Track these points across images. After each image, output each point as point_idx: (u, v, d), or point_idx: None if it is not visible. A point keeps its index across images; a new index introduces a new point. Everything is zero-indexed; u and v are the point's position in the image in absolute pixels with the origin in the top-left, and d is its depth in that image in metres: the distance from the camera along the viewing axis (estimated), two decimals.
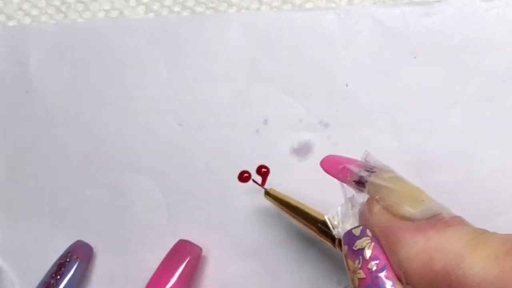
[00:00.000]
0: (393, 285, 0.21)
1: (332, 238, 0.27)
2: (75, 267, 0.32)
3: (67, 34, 0.35)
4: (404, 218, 0.22)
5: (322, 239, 0.28)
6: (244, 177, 0.33)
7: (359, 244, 0.23)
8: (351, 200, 0.25)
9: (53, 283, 0.31)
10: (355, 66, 0.33)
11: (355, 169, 0.25)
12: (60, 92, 0.35)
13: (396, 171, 0.24)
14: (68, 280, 0.31)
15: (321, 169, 0.26)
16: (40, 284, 0.31)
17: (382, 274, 0.22)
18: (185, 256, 0.31)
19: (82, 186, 0.34)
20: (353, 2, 0.34)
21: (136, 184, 0.34)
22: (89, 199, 0.34)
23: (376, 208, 0.23)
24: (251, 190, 0.33)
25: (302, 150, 0.33)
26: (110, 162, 0.34)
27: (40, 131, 0.35)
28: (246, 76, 0.34)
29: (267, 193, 0.31)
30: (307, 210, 0.29)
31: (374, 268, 0.22)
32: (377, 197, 0.23)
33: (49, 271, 0.32)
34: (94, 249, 0.34)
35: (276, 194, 0.31)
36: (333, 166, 0.26)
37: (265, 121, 0.33)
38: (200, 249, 0.32)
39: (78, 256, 0.32)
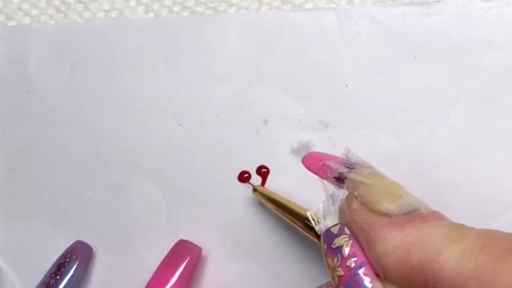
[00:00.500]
0: (371, 281, 0.21)
1: (317, 234, 0.27)
2: (74, 267, 0.32)
3: (67, 34, 0.35)
4: (382, 213, 0.22)
5: (307, 234, 0.29)
6: (244, 177, 0.33)
7: (337, 242, 0.23)
8: (331, 196, 0.25)
9: (52, 283, 0.31)
10: (355, 66, 0.33)
11: (335, 165, 0.25)
12: (60, 92, 0.35)
13: (375, 168, 0.24)
14: (67, 280, 0.31)
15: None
16: (40, 284, 0.31)
17: (360, 271, 0.22)
18: (185, 256, 0.31)
19: (82, 186, 0.34)
20: (353, 2, 0.34)
21: (136, 184, 0.34)
22: (89, 199, 0.34)
23: (355, 205, 0.23)
24: (251, 190, 0.33)
25: (302, 150, 0.33)
26: (110, 162, 0.34)
27: (40, 131, 0.35)
28: (246, 76, 0.34)
29: (255, 190, 0.32)
30: (292, 206, 0.30)
31: (353, 265, 0.22)
32: (356, 193, 0.23)
33: (49, 271, 0.32)
34: (94, 249, 0.34)
35: (263, 191, 0.32)
36: (314, 163, 0.26)
37: (265, 121, 0.33)
38: (200, 249, 0.32)
39: (78, 256, 0.32)
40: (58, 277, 0.31)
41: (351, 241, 0.23)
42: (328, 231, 0.24)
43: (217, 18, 0.34)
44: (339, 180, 0.24)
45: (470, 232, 0.21)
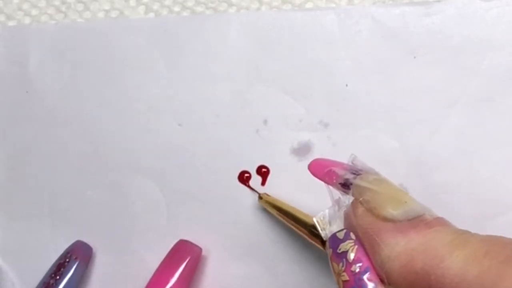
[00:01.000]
0: (376, 287, 0.22)
1: (322, 241, 0.28)
2: (74, 267, 0.32)
3: (67, 34, 0.35)
4: (386, 219, 0.22)
5: (313, 242, 0.29)
6: (244, 177, 0.33)
7: (342, 247, 0.23)
8: (337, 202, 0.25)
9: (52, 283, 0.31)
10: (355, 66, 0.33)
11: (340, 171, 0.25)
12: (60, 92, 0.35)
13: (381, 174, 0.25)
14: (67, 280, 0.31)
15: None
16: (39, 284, 0.31)
17: (365, 276, 0.22)
18: (185, 256, 0.31)
19: (82, 186, 0.34)
20: (353, 2, 0.34)
21: (136, 184, 0.34)
22: (89, 199, 0.34)
23: (360, 210, 0.23)
24: (251, 190, 0.33)
25: (302, 150, 0.33)
26: (110, 162, 0.34)
27: (40, 131, 0.35)
28: (246, 76, 0.34)
29: (260, 198, 0.32)
30: (298, 214, 0.30)
31: (357, 270, 0.22)
32: (361, 199, 0.23)
33: (49, 271, 0.32)
34: (94, 249, 0.34)
35: (269, 199, 0.32)
36: (320, 169, 0.26)
37: (265, 121, 0.33)
38: (200, 249, 0.32)
39: (78, 256, 0.32)
40: (58, 277, 0.31)
41: (356, 246, 0.23)
42: (334, 236, 0.24)
43: (217, 18, 0.34)
44: (345, 186, 0.24)
45: (474, 238, 0.21)
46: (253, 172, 0.33)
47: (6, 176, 0.35)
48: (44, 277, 0.31)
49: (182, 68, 0.34)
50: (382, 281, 0.22)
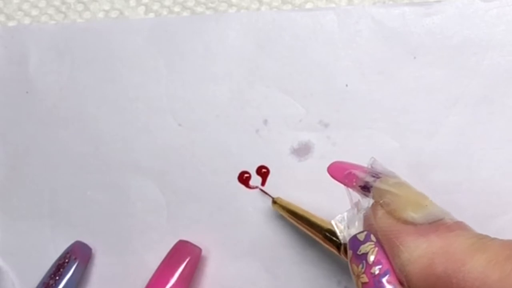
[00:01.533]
0: None
1: (337, 246, 0.28)
2: (73, 267, 0.32)
3: (67, 34, 0.35)
4: (407, 222, 0.22)
5: (327, 246, 0.29)
6: (244, 177, 0.33)
7: (363, 249, 0.23)
8: (356, 205, 0.25)
9: (52, 284, 0.31)
10: (355, 66, 0.33)
11: (361, 174, 0.25)
12: (60, 92, 0.35)
13: (401, 177, 0.25)
14: (67, 280, 0.31)
15: (327, 173, 0.27)
16: (39, 284, 0.31)
17: (384, 279, 0.22)
18: (185, 257, 0.31)
19: (82, 186, 0.34)
20: (353, 2, 0.34)
21: (136, 184, 0.34)
22: (89, 199, 0.34)
23: (380, 213, 0.23)
24: (251, 190, 0.33)
25: (302, 150, 0.33)
26: (110, 162, 0.34)
27: (40, 131, 0.35)
28: (246, 76, 0.34)
29: (274, 202, 0.32)
30: (313, 218, 0.30)
31: (377, 272, 0.22)
32: (381, 201, 0.23)
33: (48, 271, 0.32)
34: (95, 249, 0.34)
35: (283, 203, 0.32)
36: (340, 172, 0.26)
37: (265, 121, 0.33)
38: (200, 249, 0.32)
39: (77, 256, 0.32)
40: (57, 277, 0.31)
41: (376, 249, 0.23)
42: (354, 237, 0.24)
43: (217, 18, 0.34)
44: (365, 189, 0.24)
45: (495, 242, 0.21)
46: (253, 172, 0.33)
47: (6, 176, 0.35)
48: (44, 277, 0.31)
49: (182, 68, 0.34)
50: (401, 283, 0.22)
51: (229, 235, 0.33)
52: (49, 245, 0.34)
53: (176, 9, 0.35)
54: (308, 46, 0.33)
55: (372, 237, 0.23)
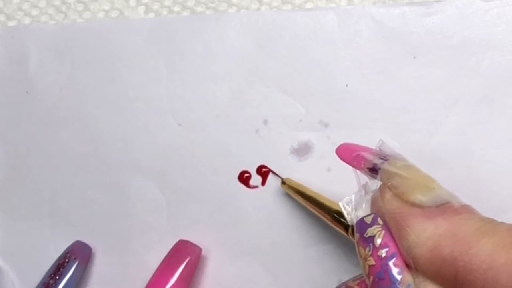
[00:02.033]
0: (401, 272, 0.22)
1: (345, 227, 0.28)
2: (73, 267, 0.32)
3: (67, 34, 0.35)
4: (414, 205, 0.22)
5: (335, 227, 0.29)
6: (244, 177, 0.33)
7: (370, 231, 0.23)
8: (364, 187, 0.25)
9: (52, 284, 0.31)
10: (355, 66, 0.33)
11: (369, 156, 0.25)
12: (60, 92, 0.35)
13: (409, 160, 0.25)
14: (66, 280, 0.31)
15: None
16: (39, 284, 0.31)
17: (391, 262, 0.22)
18: (185, 256, 0.31)
19: (82, 186, 0.34)
20: (353, 2, 0.34)
21: (136, 184, 0.34)
22: (89, 199, 0.34)
23: (388, 195, 0.23)
24: (251, 190, 0.33)
25: (302, 150, 0.33)
26: (110, 162, 0.34)
27: (40, 131, 0.35)
28: (246, 76, 0.34)
29: (284, 183, 0.32)
30: (321, 200, 0.30)
31: (384, 255, 0.22)
32: (389, 184, 0.23)
33: (48, 271, 0.32)
34: (95, 249, 0.34)
35: (292, 184, 0.31)
36: (348, 153, 0.26)
37: (265, 121, 0.33)
38: (200, 249, 0.32)
39: (77, 256, 0.32)
40: (57, 277, 0.31)
41: (383, 232, 0.23)
42: (361, 220, 0.24)
43: (217, 18, 0.34)
44: (373, 171, 0.24)
45: (502, 226, 0.21)
46: (253, 172, 0.33)
47: (6, 176, 0.35)
48: (44, 277, 0.31)
49: (182, 68, 0.34)
50: (408, 266, 0.22)
51: (229, 235, 0.33)
52: (49, 245, 0.34)
53: (176, 9, 0.35)
54: (308, 46, 0.33)
55: (379, 220, 0.23)
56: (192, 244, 0.32)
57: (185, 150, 0.34)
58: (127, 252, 0.33)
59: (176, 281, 0.30)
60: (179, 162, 0.34)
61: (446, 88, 0.32)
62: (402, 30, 0.33)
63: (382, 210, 0.23)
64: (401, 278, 0.21)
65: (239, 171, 0.33)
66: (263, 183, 0.33)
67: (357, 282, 0.26)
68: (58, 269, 0.31)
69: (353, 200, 0.26)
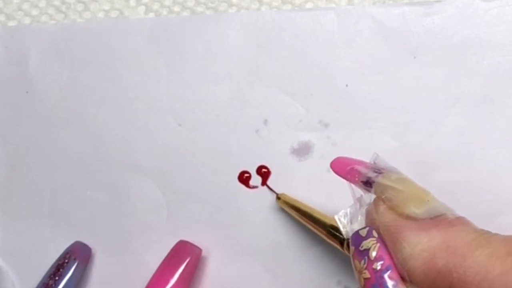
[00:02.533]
0: (396, 285, 0.22)
1: (340, 242, 0.28)
2: (73, 267, 0.32)
3: (67, 34, 0.35)
4: (409, 217, 0.22)
5: (331, 242, 0.29)
6: (244, 177, 0.33)
7: (365, 244, 0.23)
8: (359, 200, 0.26)
9: (51, 284, 0.31)
10: (355, 66, 0.33)
11: (363, 170, 0.25)
12: (60, 92, 0.35)
13: (403, 173, 0.25)
14: (66, 280, 0.31)
15: (327, 172, 0.27)
16: (39, 284, 0.31)
17: (386, 275, 0.22)
18: (185, 257, 0.31)
19: (82, 186, 0.34)
20: (353, 2, 0.34)
21: (136, 184, 0.34)
22: (89, 199, 0.34)
23: (382, 208, 0.23)
24: (251, 190, 0.33)
25: (302, 150, 0.33)
26: (110, 162, 0.34)
27: (40, 131, 0.35)
28: (246, 76, 0.34)
29: (278, 198, 0.32)
30: (316, 214, 0.30)
31: (379, 268, 0.22)
32: (383, 196, 0.23)
33: (48, 271, 0.32)
34: (95, 249, 0.34)
35: (287, 199, 0.32)
36: (342, 167, 0.26)
37: (265, 121, 0.33)
38: (200, 249, 0.32)
39: (77, 256, 0.32)
40: (57, 277, 0.31)
41: (378, 244, 0.23)
42: (356, 233, 0.24)
43: (217, 18, 0.34)
44: (367, 184, 0.24)
45: (496, 237, 0.21)
46: (253, 172, 0.33)
47: (6, 176, 0.35)
48: (44, 278, 0.31)
49: (182, 68, 0.34)
50: (403, 279, 0.22)
51: (229, 235, 0.33)
52: (49, 245, 0.34)
53: (176, 9, 0.35)
54: (308, 46, 0.33)
55: (374, 233, 0.23)
56: (192, 244, 0.32)
57: (185, 150, 0.34)
58: (127, 252, 0.33)
59: (176, 282, 0.30)
60: (179, 162, 0.34)
61: (446, 88, 0.32)
62: (402, 30, 0.33)
63: (377, 223, 0.23)
64: None
65: (239, 171, 0.33)
66: (263, 183, 0.33)
67: None
68: (58, 269, 0.31)
69: (348, 213, 0.26)
